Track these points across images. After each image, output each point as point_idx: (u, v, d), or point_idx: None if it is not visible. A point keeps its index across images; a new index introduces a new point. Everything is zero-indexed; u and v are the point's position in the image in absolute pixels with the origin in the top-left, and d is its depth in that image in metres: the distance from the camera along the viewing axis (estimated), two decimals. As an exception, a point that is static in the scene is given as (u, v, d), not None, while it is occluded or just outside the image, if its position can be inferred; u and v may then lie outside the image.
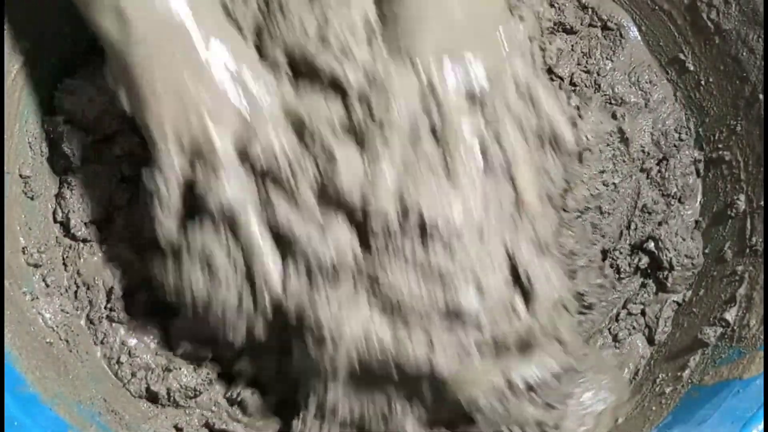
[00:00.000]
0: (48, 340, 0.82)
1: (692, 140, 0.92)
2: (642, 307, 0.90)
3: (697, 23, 0.89)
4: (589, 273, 0.88)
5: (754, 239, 0.85)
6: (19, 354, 0.73)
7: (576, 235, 0.86)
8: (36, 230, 0.88)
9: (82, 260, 0.87)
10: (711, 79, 0.90)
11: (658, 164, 0.92)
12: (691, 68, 0.91)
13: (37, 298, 0.84)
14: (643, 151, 0.91)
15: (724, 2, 0.86)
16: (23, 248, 0.86)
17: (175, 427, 0.84)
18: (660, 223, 0.90)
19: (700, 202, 0.91)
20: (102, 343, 0.85)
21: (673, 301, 0.89)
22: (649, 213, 0.90)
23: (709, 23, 0.88)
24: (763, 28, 0.83)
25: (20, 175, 0.86)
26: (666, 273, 0.89)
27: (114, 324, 0.86)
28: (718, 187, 0.90)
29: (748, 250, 0.85)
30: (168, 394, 0.83)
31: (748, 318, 0.81)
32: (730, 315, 0.83)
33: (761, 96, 0.84)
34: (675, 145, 0.92)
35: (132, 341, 0.85)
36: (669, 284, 0.89)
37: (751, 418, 0.69)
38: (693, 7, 0.89)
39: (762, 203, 0.84)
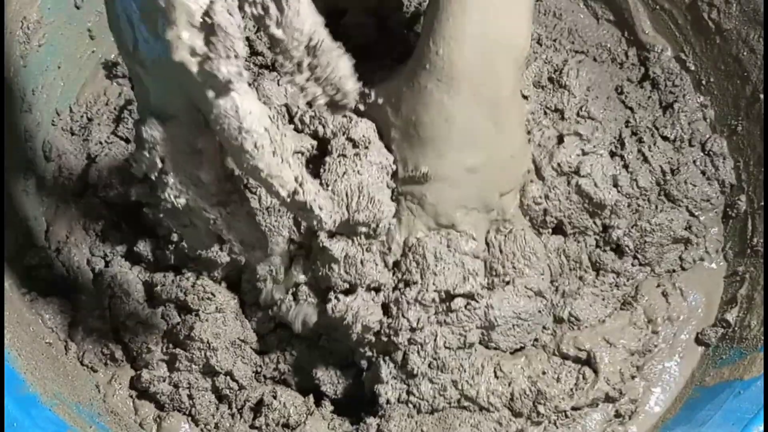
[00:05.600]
0: (47, 341, 0.82)
1: (691, 85, 0.91)
2: None
3: (698, 23, 0.89)
4: None
5: (755, 240, 0.84)
6: (18, 354, 0.73)
7: None
8: (36, 231, 0.88)
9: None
10: (712, 79, 0.90)
11: (664, 111, 0.91)
12: (692, 68, 0.91)
13: (37, 298, 0.84)
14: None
15: (725, 2, 0.85)
16: (24, 249, 0.86)
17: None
18: (673, 172, 0.87)
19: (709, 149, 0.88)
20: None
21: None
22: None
23: (710, 23, 0.88)
24: (763, 28, 0.82)
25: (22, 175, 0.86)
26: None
27: None
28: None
29: (749, 251, 0.85)
30: None
31: (749, 319, 0.81)
32: (731, 315, 0.83)
33: (762, 96, 0.84)
34: (673, 90, 0.91)
35: None
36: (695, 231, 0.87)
37: (752, 419, 0.68)
38: (694, 6, 0.88)
39: (763, 203, 0.84)
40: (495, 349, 0.79)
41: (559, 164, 0.82)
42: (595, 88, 0.88)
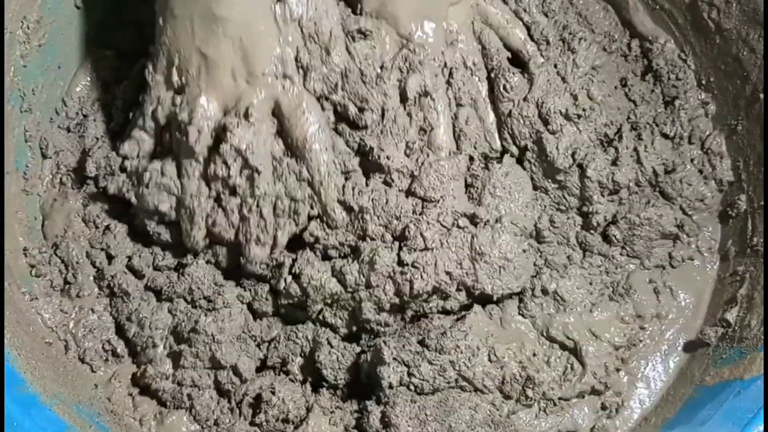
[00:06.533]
0: (47, 341, 0.82)
1: (693, 79, 0.91)
2: None
3: (698, 22, 0.89)
4: None
5: (755, 239, 0.84)
6: (18, 354, 0.73)
7: None
8: (36, 230, 0.88)
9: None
10: (712, 79, 0.90)
11: (665, 107, 0.90)
12: (692, 67, 0.91)
13: (36, 298, 0.84)
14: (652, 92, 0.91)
15: (725, 2, 0.86)
16: (24, 249, 0.86)
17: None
18: (669, 172, 0.87)
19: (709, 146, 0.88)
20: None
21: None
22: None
23: (710, 23, 0.88)
24: (763, 28, 0.82)
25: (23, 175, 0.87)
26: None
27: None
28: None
29: (749, 250, 0.85)
30: None
31: (749, 318, 0.81)
32: (731, 315, 0.83)
33: (762, 96, 0.84)
34: (676, 84, 0.91)
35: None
36: (688, 230, 0.87)
37: (752, 419, 0.68)
38: (694, 6, 0.89)
39: (763, 203, 0.84)
40: (481, 295, 0.80)
41: (540, 103, 0.84)
42: (602, 72, 0.89)
